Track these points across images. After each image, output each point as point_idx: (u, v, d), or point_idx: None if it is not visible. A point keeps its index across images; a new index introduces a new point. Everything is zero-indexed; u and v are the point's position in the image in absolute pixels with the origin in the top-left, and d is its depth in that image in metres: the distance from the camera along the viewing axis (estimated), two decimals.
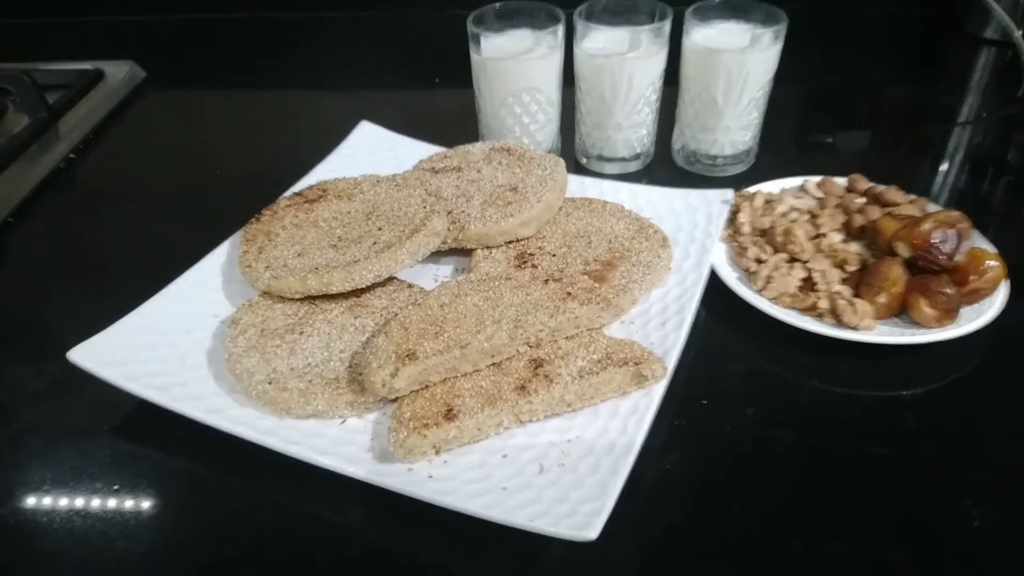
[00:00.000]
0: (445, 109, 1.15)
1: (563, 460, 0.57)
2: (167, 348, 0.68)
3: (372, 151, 0.95)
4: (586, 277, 0.70)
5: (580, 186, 0.88)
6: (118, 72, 1.28)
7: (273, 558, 0.56)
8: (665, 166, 0.99)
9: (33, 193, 0.99)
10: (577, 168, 0.98)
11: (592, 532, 0.50)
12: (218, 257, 0.79)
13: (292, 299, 0.71)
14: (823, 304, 0.70)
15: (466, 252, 0.79)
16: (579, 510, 0.52)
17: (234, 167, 1.05)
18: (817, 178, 0.87)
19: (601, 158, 0.97)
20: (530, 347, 0.64)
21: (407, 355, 0.61)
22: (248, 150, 1.10)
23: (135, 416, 0.66)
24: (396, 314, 0.67)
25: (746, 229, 0.79)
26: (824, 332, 0.69)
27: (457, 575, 0.55)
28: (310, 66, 1.32)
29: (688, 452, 0.61)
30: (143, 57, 1.30)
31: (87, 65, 1.29)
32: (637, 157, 0.97)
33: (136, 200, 0.99)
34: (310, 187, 0.83)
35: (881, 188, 0.84)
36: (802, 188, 0.87)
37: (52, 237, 0.93)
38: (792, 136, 1.07)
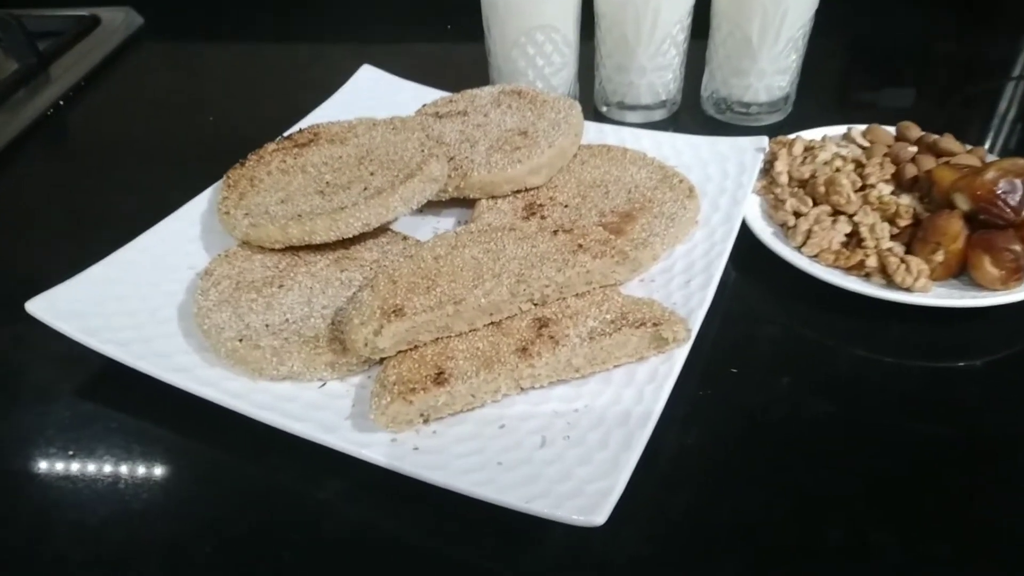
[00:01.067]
0: (457, 58, 1.07)
1: (569, 433, 0.51)
2: (135, 301, 0.62)
3: (373, 96, 0.88)
4: (601, 228, 0.62)
5: (598, 133, 0.80)
6: (115, 18, 1.22)
7: (237, 535, 0.50)
8: (693, 115, 0.91)
9: (17, 140, 0.95)
10: (596, 117, 0.89)
11: (599, 516, 0.44)
12: (198, 205, 0.72)
13: (273, 250, 0.64)
14: (871, 262, 0.63)
15: (469, 203, 0.71)
16: (585, 490, 0.46)
17: (230, 118, 0.98)
18: (862, 127, 0.78)
19: (622, 106, 0.89)
20: (534, 305, 0.57)
21: (393, 311, 0.54)
22: (246, 100, 1.03)
23: (102, 375, 0.60)
24: (386, 267, 0.60)
25: (783, 179, 0.71)
26: (872, 294, 0.62)
27: (442, 560, 0.48)
28: (315, 15, 1.25)
29: (713, 426, 0.55)
30: (141, 3, 1.23)
31: (83, 11, 1.23)
32: (662, 105, 0.89)
33: (125, 150, 0.94)
34: (300, 130, 0.76)
35: (935, 136, 0.75)
36: (846, 136, 0.78)
37: (33, 185, 0.88)
38: (833, 83, 0.99)
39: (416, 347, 0.55)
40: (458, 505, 0.47)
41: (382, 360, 0.55)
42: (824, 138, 0.76)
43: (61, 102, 1.02)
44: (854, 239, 0.66)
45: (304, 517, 0.51)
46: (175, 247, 0.68)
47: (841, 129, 0.79)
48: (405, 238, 0.67)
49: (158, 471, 0.54)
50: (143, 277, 0.64)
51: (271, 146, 0.74)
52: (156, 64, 1.15)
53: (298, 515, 0.51)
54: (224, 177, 0.71)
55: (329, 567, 0.48)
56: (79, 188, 0.87)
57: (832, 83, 0.99)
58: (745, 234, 0.68)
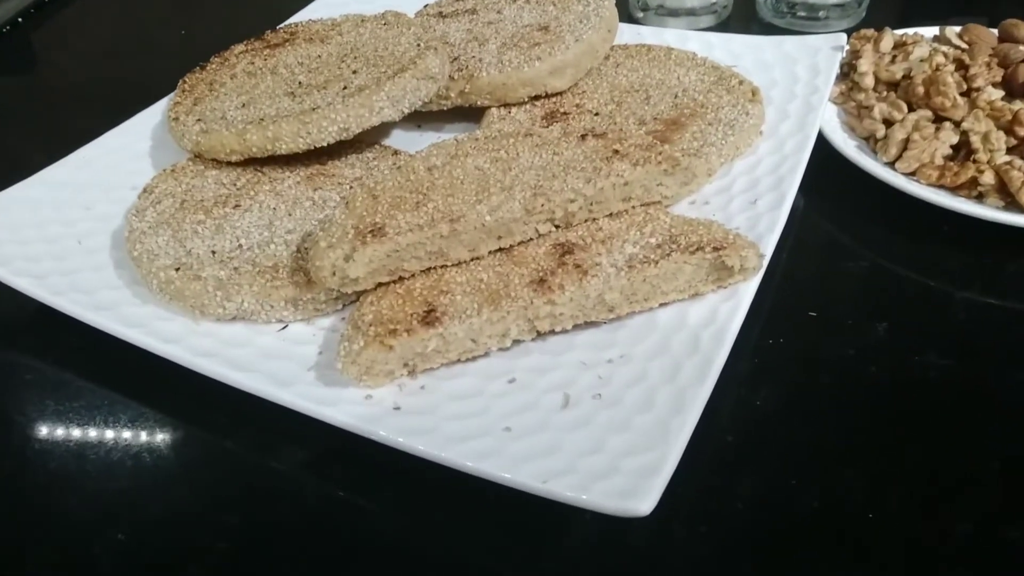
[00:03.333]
0: None
1: (600, 390, 0.41)
2: (59, 226, 0.52)
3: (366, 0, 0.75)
4: (642, 133, 0.50)
5: (635, 35, 0.68)
6: None
7: (161, 517, 0.40)
8: (747, 21, 0.80)
9: None
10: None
11: (643, 503, 0.35)
12: (150, 117, 0.61)
13: (231, 164, 0.53)
14: (987, 178, 0.53)
15: (477, 114, 0.60)
16: (622, 466, 0.37)
17: (205, 32, 0.88)
18: (957, 27, 0.65)
19: (662, 10, 0.77)
20: (556, 227, 0.46)
21: (371, 231, 0.42)
22: (225, 15, 0.93)
23: (25, 315, 0.51)
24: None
25: (868, 82, 0.59)
26: (989, 217, 0.52)
27: (428, 558, 0.38)
28: None
29: (789, 385, 0.45)
30: None
31: None
32: (711, 9, 0.77)
33: (88, 68, 0.85)
34: (274, 30, 0.63)
35: None
36: (938, 38, 0.64)
37: None
38: None
39: (401, 279, 0.44)
40: (451, 484, 0.38)
41: (359, 296, 0.44)
42: (917, 33, 0.62)
43: (20, 19, 0.92)
44: (962, 151, 0.55)
45: (249, 495, 0.41)
46: (116, 164, 0.58)
47: (932, 30, 0.65)
48: (396, 152, 0.55)
49: (73, 434, 0.44)
50: (73, 198, 0.55)
51: (238, 47, 0.62)
52: None
53: (242, 493, 0.41)
54: (180, 82, 0.59)
55: (282, 561, 0.38)
56: (35, 108, 0.79)
57: None
58: (820, 149, 0.55)
